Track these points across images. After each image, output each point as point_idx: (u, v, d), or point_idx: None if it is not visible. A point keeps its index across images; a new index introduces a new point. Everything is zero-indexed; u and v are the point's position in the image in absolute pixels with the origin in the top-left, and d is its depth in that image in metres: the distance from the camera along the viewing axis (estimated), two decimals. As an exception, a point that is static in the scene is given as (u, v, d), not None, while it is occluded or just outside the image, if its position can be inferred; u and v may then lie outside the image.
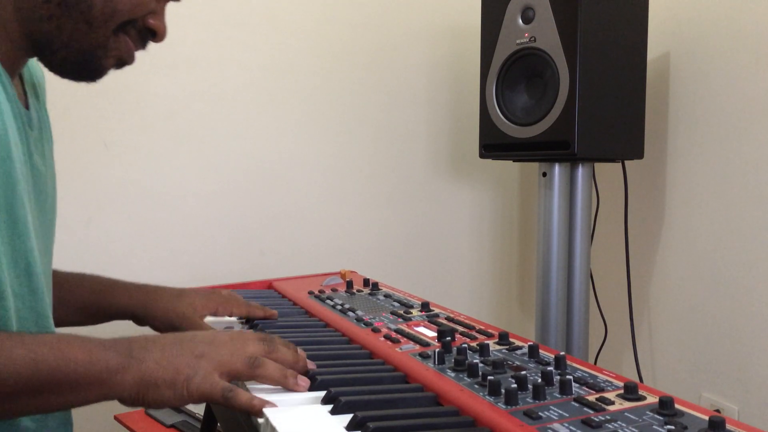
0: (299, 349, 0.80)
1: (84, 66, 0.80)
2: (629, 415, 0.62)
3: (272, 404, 0.69)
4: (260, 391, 0.73)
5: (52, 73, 0.82)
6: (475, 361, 0.76)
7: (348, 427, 0.63)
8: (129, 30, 0.80)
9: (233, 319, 1.08)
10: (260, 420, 0.67)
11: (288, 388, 0.73)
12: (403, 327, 0.96)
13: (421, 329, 0.95)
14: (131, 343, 0.71)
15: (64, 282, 1.00)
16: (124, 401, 0.69)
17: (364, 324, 0.99)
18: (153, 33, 0.82)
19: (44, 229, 0.87)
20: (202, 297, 1.05)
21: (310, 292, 1.24)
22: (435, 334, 0.92)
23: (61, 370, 0.65)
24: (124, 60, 0.82)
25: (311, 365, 0.79)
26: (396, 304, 1.13)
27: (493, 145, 1.69)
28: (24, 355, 0.63)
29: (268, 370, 0.74)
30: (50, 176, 0.90)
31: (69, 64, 0.80)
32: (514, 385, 0.68)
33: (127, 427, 1.43)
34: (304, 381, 0.75)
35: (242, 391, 0.70)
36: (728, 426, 0.59)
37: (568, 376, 0.70)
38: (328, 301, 1.16)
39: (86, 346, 0.68)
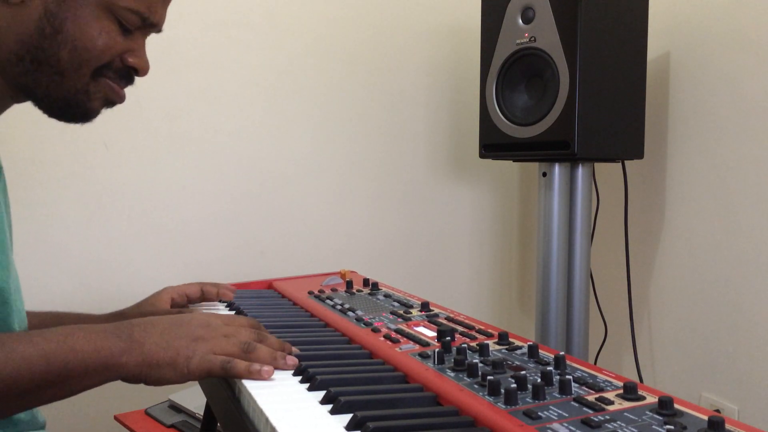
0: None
1: (70, 110, 0.85)
2: (629, 415, 0.62)
3: (269, 371, 0.76)
4: (259, 388, 0.73)
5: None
6: (474, 361, 0.76)
7: (347, 427, 0.63)
8: (106, 73, 0.84)
9: (221, 306, 1.15)
10: (261, 419, 0.67)
11: (279, 368, 0.79)
12: (403, 327, 0.96)
13: (421, 329, 0.95)
14: (132, 326, 0.76)
15: (41, 325, 1.00)
16: (128, 380, 0.75)
17: (364, 324, 0.99)
18: (135, 70, 0.87)
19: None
20: (172, 289, 1.12)
21: (310, 292, 1.24)
22: (435, 334, 0.92)
23: (71, 362, 0.70)
24: (112, 100, 0.87)
25: (295, 351, 0.84)
26: (396, 304, 1.13)
27: (493, 145, 1.69)
28: (36, 354, 0.68)
29: (260, 353, 0.79)
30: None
31: (56, 110, 0.85)
32: (514, 385, 0.68)
33: (127, 427, 1.43)
34: (291, 360, 0.80)
35: (239, 361, 0.76)
36: (727, 426, 0.59)
37: (567, 376, 0.70)
38: (328, 301, 1.16)
39: (89, 336, 0.73)
